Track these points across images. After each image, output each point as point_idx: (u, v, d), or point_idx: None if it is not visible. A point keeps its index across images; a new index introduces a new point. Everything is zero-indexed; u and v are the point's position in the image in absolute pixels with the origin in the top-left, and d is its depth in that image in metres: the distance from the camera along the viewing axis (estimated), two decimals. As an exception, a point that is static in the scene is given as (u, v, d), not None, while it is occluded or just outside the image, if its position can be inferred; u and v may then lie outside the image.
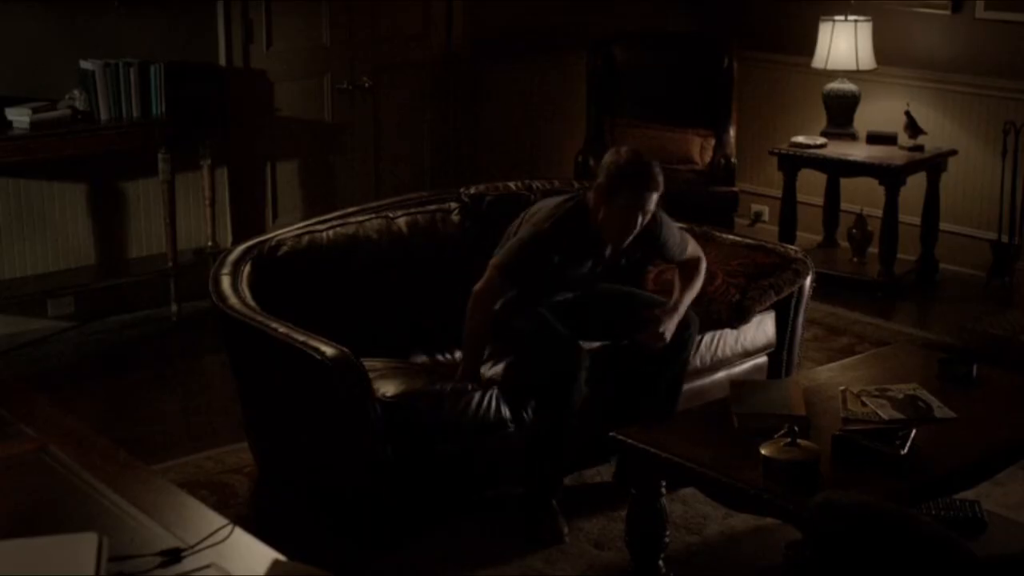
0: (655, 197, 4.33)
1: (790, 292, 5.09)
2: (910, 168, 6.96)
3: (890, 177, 6.92)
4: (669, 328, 4.50)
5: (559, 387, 4.30)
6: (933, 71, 7.29)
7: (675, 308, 4.56)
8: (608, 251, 4.49)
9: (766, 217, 8.00)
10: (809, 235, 7.50)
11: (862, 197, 7.35)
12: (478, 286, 4.42)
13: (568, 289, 4.56)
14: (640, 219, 4.34)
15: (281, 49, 6.93)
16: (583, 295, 4.62)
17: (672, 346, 4.54)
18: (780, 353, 5.20)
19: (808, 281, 5.16)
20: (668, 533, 3.98)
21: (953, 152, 7.12)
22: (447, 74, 7.45)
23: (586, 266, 4.50)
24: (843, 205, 7.53)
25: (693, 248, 4.70)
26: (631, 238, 4.40)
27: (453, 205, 5.14)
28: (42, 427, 3.88)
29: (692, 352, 4.72)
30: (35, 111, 5.91)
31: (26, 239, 6.28)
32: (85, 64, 6.14)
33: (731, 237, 5.38)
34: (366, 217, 4.98)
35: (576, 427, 4.36)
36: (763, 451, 3.59)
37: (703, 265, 4.70)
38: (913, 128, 7.03)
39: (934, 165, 7.08)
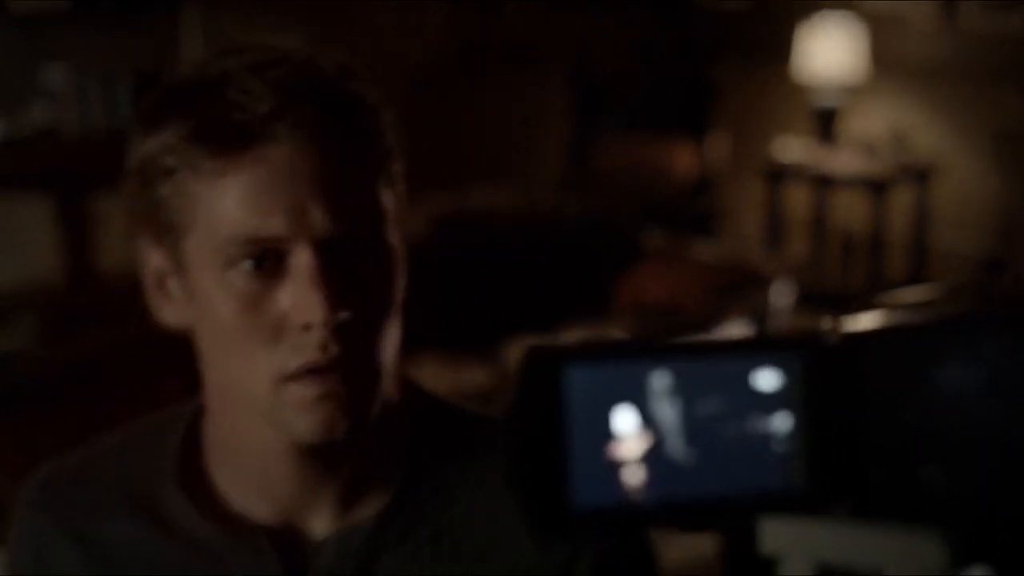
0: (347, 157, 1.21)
1: (773, 309, 4.98)
2: (897, 181, 6.89)
3: (877, 190, 6.84)
4: None
5: None
6: (923, 79, 7.19)
7: None
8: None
9: (750, 231, 7.88)
10: (795, 249, 7.38)
11: (849, 211, 7.24)
12: None
13: None
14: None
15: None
16: None
17: None
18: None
19: (792, 297, 5.07)
20: None
21: (943, 164, 7.03)
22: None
23: None
24: (830, 219, 7.41)
25: None
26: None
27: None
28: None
29: None
30: None
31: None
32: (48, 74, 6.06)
33: (713, 251, 5.32)
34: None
35: None
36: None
37: None
38: (900, 140, 6.94)
39: (922, 177, 6.98)
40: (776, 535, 0.76)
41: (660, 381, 0.75)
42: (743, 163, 7.64)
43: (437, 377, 4.63)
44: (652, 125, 7.41)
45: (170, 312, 1.28)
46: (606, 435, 0.74)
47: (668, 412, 0.75)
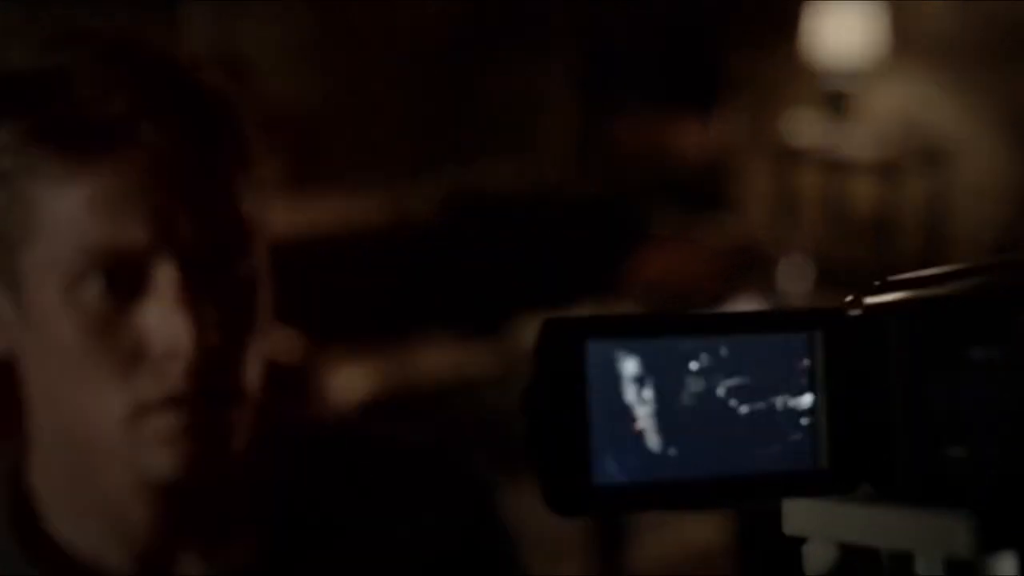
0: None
1: (784, 289, 4.96)
2: (911, 163, 6.83)
3: (890, 173, 6.80)
4: None
5: None
6: (938, 61, 7.15)
7: None
8: None
9: (761, 213, 7.87)
10: (806, 231, 7.36)
11: (861, 193, 7.21)
12: None
13: None
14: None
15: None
16: None
17: None
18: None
19: (805, 277, 5.06)
20: None
21: (958, 147, 6.97)
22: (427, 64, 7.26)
23: None
24: (842, 202, 7.39)
25: None
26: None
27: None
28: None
29: None
30: None
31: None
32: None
33: (723, 231, 5.32)
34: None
35: None
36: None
37: None
38: (914, 123, 6.91)
39: (937, 160, 6.92)
40: (799, 517, 0.74)
41: (680, 356, 0.73)
42: (755, 144, 7.62)
43: (443, 360, 4.62)
44: (663, 105, 7.39)
45: None
46: (628, 410, 0.72)
47: (689, 388, 0.73)
